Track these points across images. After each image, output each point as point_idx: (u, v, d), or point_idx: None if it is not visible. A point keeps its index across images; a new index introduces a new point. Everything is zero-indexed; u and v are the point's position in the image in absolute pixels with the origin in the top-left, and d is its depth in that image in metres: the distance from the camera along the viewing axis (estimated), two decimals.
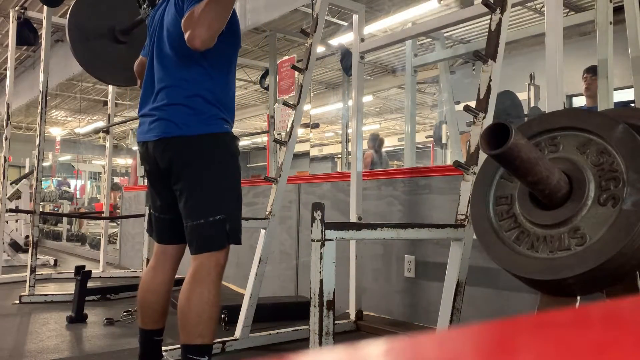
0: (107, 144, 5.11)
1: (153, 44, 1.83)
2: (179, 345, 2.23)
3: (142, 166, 1.87)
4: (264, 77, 7.10)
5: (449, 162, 5.26)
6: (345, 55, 5.23)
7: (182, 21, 1.61)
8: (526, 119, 4.38)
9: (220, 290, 1.71)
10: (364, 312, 2.87)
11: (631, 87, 2.84)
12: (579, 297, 1.21)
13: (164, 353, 1.97)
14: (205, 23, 1.56)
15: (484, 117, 1.79)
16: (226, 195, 1.74)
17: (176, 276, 1.90)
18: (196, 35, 1.55)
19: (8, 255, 5.35)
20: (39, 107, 3.73)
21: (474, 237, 1.43)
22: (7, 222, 4.83)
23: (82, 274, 3.03)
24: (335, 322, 1.39)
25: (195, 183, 1.71)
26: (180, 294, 1.67)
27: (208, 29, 1.56)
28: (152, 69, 1.82)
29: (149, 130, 1.77)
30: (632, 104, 3.17)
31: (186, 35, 1.58)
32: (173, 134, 1.70)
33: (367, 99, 11.65)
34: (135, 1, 2.12)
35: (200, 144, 1.71)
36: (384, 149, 8.11)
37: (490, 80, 1.81)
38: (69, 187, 13.72)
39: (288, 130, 2.70)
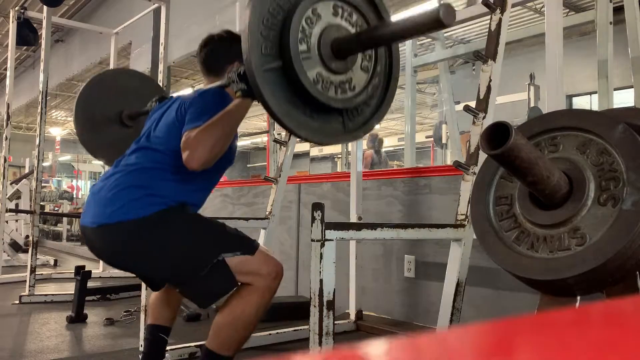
0: None
1: (144, 135, 1.76)
2: (179, 346, 2.24)
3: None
4: None
5: (449, 162, 5.27)
6: None
7: (182, 140, 1.54)
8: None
9: (259, 312, 1.65)
10: (364, 312, 2.87)
11: (631, 87, 2.84)
12: (579, 297, 1.22)
13: (165, 354, 1.97)
14: (207, 145, 1.50)
15: (484, 117, 1.79)
16: (188, 252, 1.63)
17: None
18: (196, 157, 1.49)
19: (8, 255, 5.35)
20: (39, 107, 3.73)
21: (474, 237, 1.43)
22: (7, 222, 4.83)
23: (82, 274, 3.03)
24: (335, 322, 1.39)
25: (149, 264, 1.66)
26: (227, 300, 1.65)
27: (210, 151, 1.50)
28: (128, 153, 1.73)
29: (87, 212, 1.66)
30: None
31: (184, 155, 1.51)
32: (102, 222, 1.59)
33: None
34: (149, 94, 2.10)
35: (129, 230, 1.59)
36: (383, 149, 8.12)
37: (490, 80, 1.81)
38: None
39: None
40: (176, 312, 1.92)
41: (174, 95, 1.92)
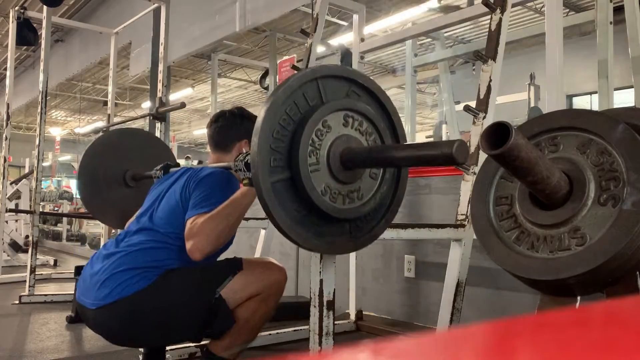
0: None
1: (147, 210, 1.74)
2: (179, 346, 2.24)
3: None
4: (264, 77, 7.11)
5: None
6: (345, 55, 5.23)
7: (187, 227, 1.53)
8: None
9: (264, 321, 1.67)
10: (364, 312, 2.87)
11: (631, 87, 2.85)
12: (579, 297, 1.22)
13: (165, 354, 1.97)
14: (212, 237, 1.49)
15: (484, 117, 1.79)
16: (183, 307, 1.59)
17: None
18: (200, 248, 1.48)
19: (8, 255, 5.35)
20: (39, 107, 3.73)
21: (474, 237, 1.43)
22: (6, 222, 4.83)
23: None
24: (335, 322, 1.39)
25: (151, 337, 1.68)
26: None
27: (214, 243, 1.50)
28: (130, 228, 1.72)
29: (86, 294, 1.63)
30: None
31: (188, 245, 1.50)
32: (102, 303, 1.56)
33: None
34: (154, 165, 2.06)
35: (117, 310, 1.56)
36: None
37: (490, 80, 1.81)
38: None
39: None
40: None
41: (180, 166, 1.89)
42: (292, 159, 1.15)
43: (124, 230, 1.73)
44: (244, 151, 1.61)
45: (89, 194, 2.38)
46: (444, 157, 1.05)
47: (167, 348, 2.15)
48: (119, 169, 2.35)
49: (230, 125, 1.80)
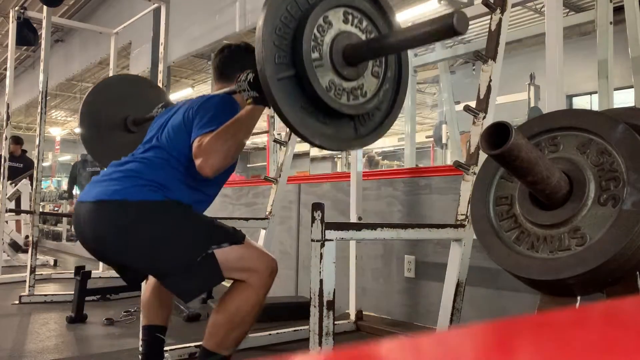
0: None
1: (150, 138, 1.77)
2: (179, 346, 2.24)
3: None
4: None
5: (449, 162, 5.27)
6: None
7: (194, 145, 1.54)
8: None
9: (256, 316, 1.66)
10: (364, 312, 2.87)
11: (631, 87, 2.84)
12: (579, 297, 1.22)
13: (165, 354, 1.97)
14: (221, 152, 1.50)
15: (484, 117, 1.79)
16: (176, 242, 1.60)
17: None
18: (209, 164, 1.50)
19: (8, 256, 5.35)
20: (39, 107, 3.73)
21: (474, 237, 1.43)
22: (7, 222, 4.83)
23: (82, 274, 3.03)
24: (335, 322, 1.39)
25: (135, 256, 1.62)
26: (221, 298, 1.65)
27: (224, 159, 1.51)
28: (137, 150, 1.75)
29: (87, 193, 1.65)
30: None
31: (197, 162, 1.52)
32: (105, 198, 1.58)
33: None
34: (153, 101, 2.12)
35: (130, 211, 1.58)
36: (381, 149, 8.18)
37: (490, 80, 1.81)
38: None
39: (288, 130, 2.70)
40: (170, 310, 1.91)
41: (180, 102, 1.92)
42: (296, 55, 1.17)
43: (130, 154, 1.75)
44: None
45: (93, 141, 2.37)
46: (445, 28, 1.04)
47: (167, 348, 2.15)
48: (120, 114, 2.35)
49: (235, 57, 1.84)
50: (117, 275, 1.79)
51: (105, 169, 1.74)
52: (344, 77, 1.25)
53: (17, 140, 6.59)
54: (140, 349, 1.92)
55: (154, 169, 1.64)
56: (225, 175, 1.74)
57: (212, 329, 1.63)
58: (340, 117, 1.28)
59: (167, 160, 1.65)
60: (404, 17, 7.39)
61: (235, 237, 1.65)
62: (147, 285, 1.89)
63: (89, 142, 2.38)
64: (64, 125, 17.89)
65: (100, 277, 4.28)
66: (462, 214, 1.75)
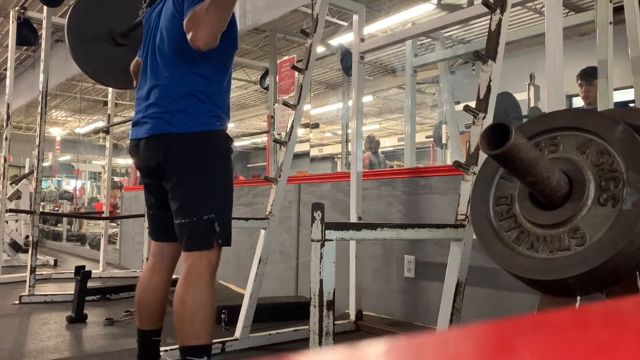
0: (107, 144, 5.11)
1: (148, 43, 1.85)
2: (178, 346, 2.24)
3: (134, 163, 1.85)
4: (264, 77, 7.10)
5: (449, 162, 5.26)
6: (345, 56, 5.23)
7: (185, 22, 1.62)
8: (525, 119, 4.38)
9: (215, 291, 1.69)
10: (364, 312, 2.87)
11: (631, 87, 2.84)
12: (579, 297, 1.21)
13: (162, 353, 1.97)
14: (207, 24, 1.57)
15: (484, 117, 1.79)
16: (216, 194, 1.73)
17: (173, 276, 1.90)
18: (199, 37, 1.57)
19: (8, 256, 5.35)
20: (39, 107, 3.72)
21: (474, 237, 1.43)
22: (7, 222, 4.83)
23: (82, 274, 3.03)
24: (335, 322, 1.39)
25: (186, 181, 1.71)
26: (174, 295, 1.66)
27: (210, 29, 1.58)
28: (146, 68, 1.83)
29: (140, 128, 1.78)
30: (632, 104, 3.17)
31: (189, 36, 1.59)
32: (164, 131, 1.71)
33: (367, 99, 11.65)
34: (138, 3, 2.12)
35: (192, 142, 1.71)
36: (381, 149, 8.14)
37: (490, 80, 1.81)
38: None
39: (288, 130, 2.70)
40: (164, 310, 1.89)
41: None
42: None
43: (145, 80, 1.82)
44: None
45: (84, 58, 2.35)
46: None
47: (167, 348, 2.15)
48: (105, 28, 2.32)
49: None
50: (118, 276, 1.79)
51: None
52: None
53: None
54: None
55: (179, 80, 1.73)
56: (231, 48, 1.84)
57: (178, 327, 1.66)
58: None
59: (183, 56, 1.73)
60: (404, 17, 7.39)
61: (224, 240, 1.73)
62: (140, 284, 1.87)
63: (81, 58, 2.35)
64: (64, 125, 17.90)
65: (100, 277, 4.29)
66: (462, 214, 1.75)
